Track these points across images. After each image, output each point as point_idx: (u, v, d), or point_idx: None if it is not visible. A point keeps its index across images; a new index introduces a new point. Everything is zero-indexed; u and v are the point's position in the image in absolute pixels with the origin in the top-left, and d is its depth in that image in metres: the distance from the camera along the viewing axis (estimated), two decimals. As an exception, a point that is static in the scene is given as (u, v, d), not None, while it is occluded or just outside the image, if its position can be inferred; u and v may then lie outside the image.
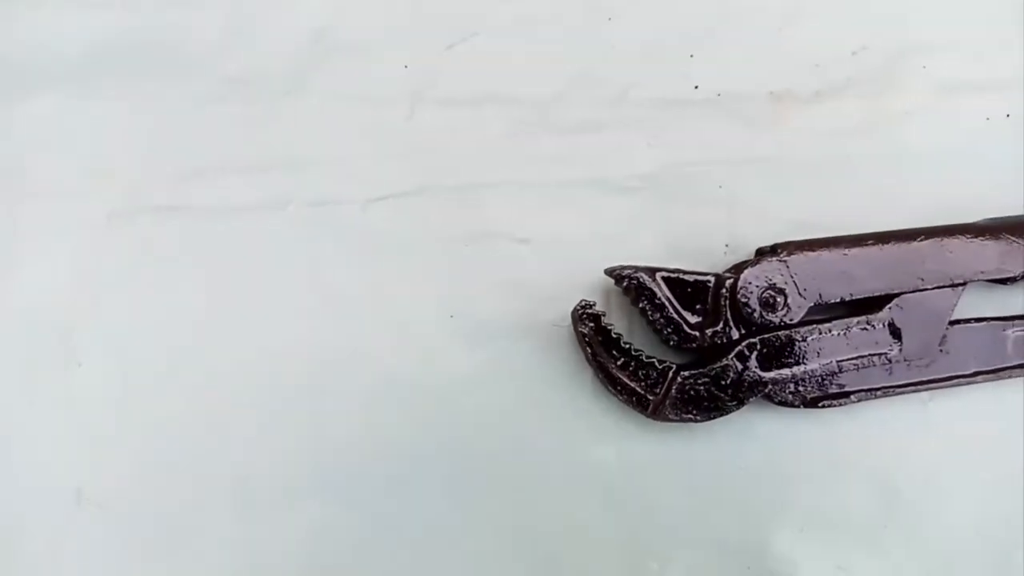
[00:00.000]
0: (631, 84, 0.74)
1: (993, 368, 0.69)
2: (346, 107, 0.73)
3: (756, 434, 0.70)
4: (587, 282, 0.70)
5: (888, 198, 0.73)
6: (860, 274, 0.66)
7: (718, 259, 0.71)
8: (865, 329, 0.67)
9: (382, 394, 0.70)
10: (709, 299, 0.66)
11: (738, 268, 0.66)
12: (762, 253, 0.68)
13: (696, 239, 0.72)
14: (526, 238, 0.72)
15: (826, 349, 0.66)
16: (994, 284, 0.70)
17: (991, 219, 0.69)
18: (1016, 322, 0.69)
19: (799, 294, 0.65)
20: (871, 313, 0.67)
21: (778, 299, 0.65)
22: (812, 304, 0.65)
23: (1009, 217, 0.69)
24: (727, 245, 0.72)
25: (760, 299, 0.65)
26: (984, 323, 0.69)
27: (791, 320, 0.65)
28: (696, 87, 0.74)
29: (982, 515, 0.70)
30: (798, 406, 0.67)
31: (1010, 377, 0.69)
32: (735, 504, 0.69)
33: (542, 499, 0.69)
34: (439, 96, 0.73)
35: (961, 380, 0.69)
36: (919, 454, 0.71)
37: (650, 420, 0.67)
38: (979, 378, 0.69)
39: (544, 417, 0.70)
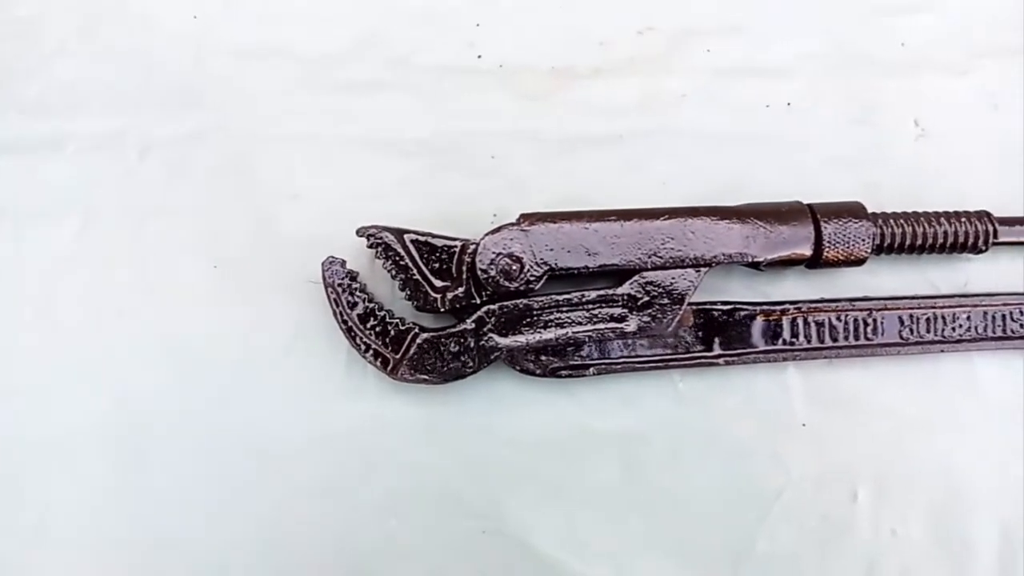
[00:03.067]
0: (415, 49, 0.74)
1: (737, 352, 0.69)
2: (135, 51, 0.74)
3: (502, 400, 0.70)
4: (353, 241, 0.70)
5: (657, 177, 0.74)
6: (600, 248, 0.66)
7: (485, 227, 0.71)
8: (603, 303, 0.67)
9: (142, 347, 0.70)
10: (454, 264, 0.67)
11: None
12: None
13: (465, 206, 0.72)
14: (296, 194, 0.73)
15: (563, 320, 0.67)
16: (752, 270, 0.71)
17: (748, 204, 0.69)
18: (762, 307, 0.70)
19: (536, 263, 0.66)
20: (611, 287, 0.67)
21: (514, 267, 0.65)
22: (548, 274, 0.66)
23: (764, 203, 0.69)
24: (495, 215, 0.72)
25: (498, 266, 0.66)
26: (731, 307, 0.70)
27: (528, 289, 0.66)
28: (479, 56, 0.75)
29: (724, 494, 0.71)
30: (539, 375, 0.68)
31: (755, 362, 0.70)
32: (477, 467, 0.70)
33: (289, 455, 0.70)
34: (225, 47, 0.74)
35: (704, 361, 0.69)
36: (666, 431, 0.71)
37: (398, 381, 0.68)
38: (721, 360, 0.69)
39: (296, 372, 0.70)
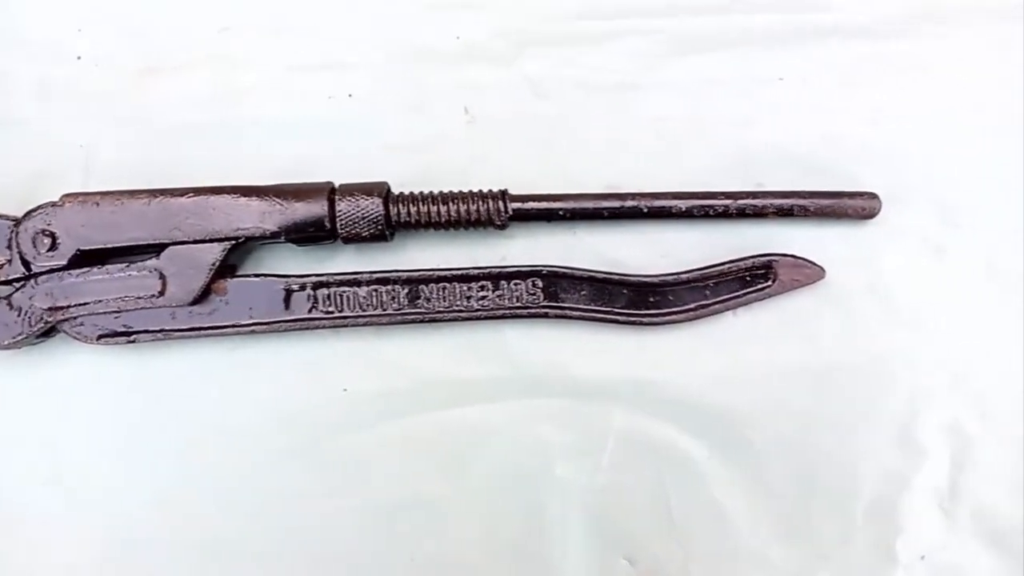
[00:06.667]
0: (22, 53, 0.82)
1: (270, 321, 0.75)
2: None
3: (69, 365, 0.77)
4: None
5: (230, 162, 0.79)
6: (129, 225, 0.73)
7: (71, 210, 0.79)
8: (135, 274, 0.74)
9: None
10: (7, 240, 0.75)
11: (35, 213, 0.74)
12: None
13: (54, 190, 0.79)
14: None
15: (100, 290, 0.74)
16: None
17: (279, 184, 0.75)
18: (291, 280, 0.75)
19: (69, 239, 0.73)
20: (142, 260, 0.74)
21: (47, 241, 0.73)
22: (82, 249, 0.73)
23: (292, 183, 0.75)
24: (80, 198, 0.79)
25: (34, 241, 0.73)
26: (264, 279, 0.76)
27: (63, 262, 0.73)
28: (79, 57, 0.82)
29: (275, 457, 0.76)
30: (90, 342, 0.75)
31: (287, 331, 0.75)
32: (49, 431, 0.77)
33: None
34: None
35: (242, 330, 0.75)
36: (222, 398, 0.77)
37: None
38: (260, 328, 0.75)
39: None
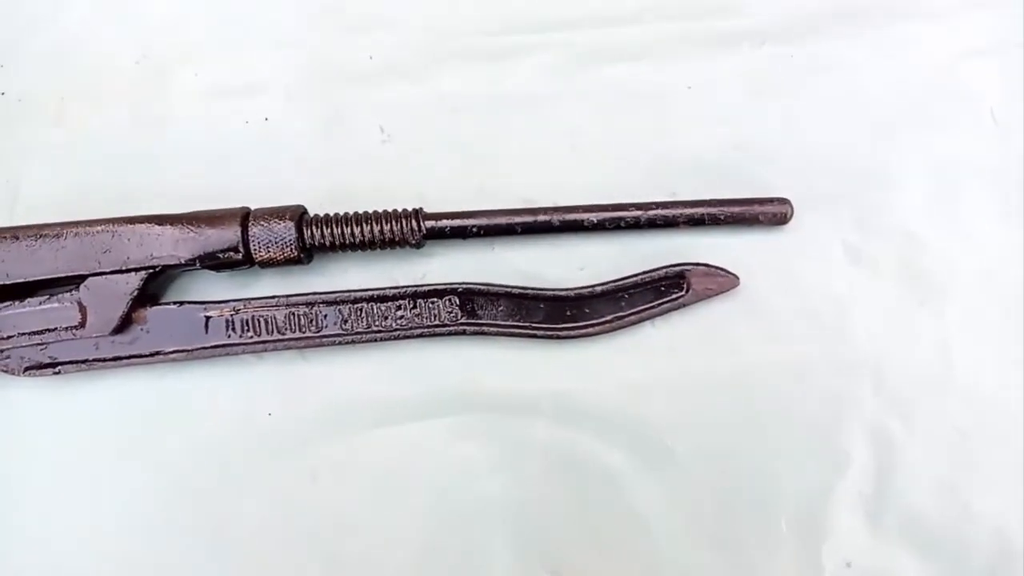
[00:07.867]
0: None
1: (190, 348, 0.76)
2: None
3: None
4: None
5: (152, 190, 0.80)
6: (47, 257, 0.74)
7: (-2, 243, 0.80)
8: (56, 306, 0.75)
9: None
10: (-66, 276, 0.75)
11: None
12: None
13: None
14: None
15: (22, 323, 0.75)
16: (212, 271, 0.77)
17: (193, 211, 0.75)
18: (210, 306, 0.76)
19: (-12, 274, 0.74)
20: (63, 293, 0.75)
21: (-29, 277, 0.74)
22: (0, 283, 0.74)
23: (206, 210, 0.75)
24: (8, 231, 0.80)
25: (-44, 277, 0.74)
26: (183, 306, 0.76)
27: (-11, 297, 0.74)
28: (3, 93, 0.83)
29: (200, 477, 0.77)
30: (17, 374, 0.76)
31: (208, 357, 0.76)
32: None
33: None
34: None
35: (164, 358, 0.76)
36: (148, 424, 0.78)
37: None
38: (180, 356, 0.76)
39: None
